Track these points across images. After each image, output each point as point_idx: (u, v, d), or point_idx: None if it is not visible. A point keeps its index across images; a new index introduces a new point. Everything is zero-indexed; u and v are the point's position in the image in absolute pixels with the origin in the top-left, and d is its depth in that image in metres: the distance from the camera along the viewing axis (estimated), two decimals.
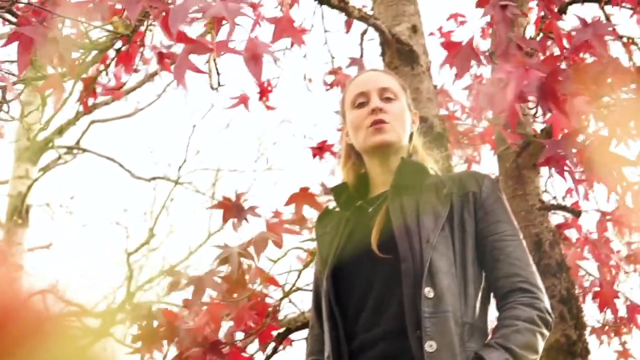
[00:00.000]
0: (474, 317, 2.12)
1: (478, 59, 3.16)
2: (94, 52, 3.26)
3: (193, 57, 2.32)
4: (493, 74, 2.99)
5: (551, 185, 5.26)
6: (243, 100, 4.51)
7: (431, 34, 5.88)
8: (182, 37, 2.31)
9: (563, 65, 2.81)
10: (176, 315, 3.31)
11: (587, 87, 2.60)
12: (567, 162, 2.70)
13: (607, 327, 5.16)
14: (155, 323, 3.28)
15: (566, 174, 2.69)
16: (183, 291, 3.23)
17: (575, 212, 4.91)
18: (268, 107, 4.61)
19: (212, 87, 2.51)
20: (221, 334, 3.31)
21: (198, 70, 2.34)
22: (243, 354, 3.32)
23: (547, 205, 4.41)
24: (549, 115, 2.77)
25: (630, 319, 5.08)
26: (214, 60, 2.42)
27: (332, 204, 2.55)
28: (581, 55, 2.96)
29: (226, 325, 3.36)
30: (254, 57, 2.31)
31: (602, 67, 2.58)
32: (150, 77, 8.36)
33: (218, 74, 2.46)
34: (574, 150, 2.68)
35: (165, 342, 3.26)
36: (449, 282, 2.09)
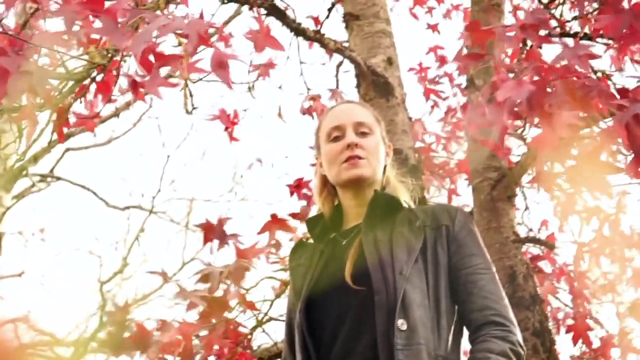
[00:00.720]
0: (446, 350, 2.12)
1: (473, 60, 3.19)
2: (71, 82, 3.26)
3: (167, 76, 2.34)
4: (484, 90, 3.01)
5: (527, 217, 5.30)
6: (220, 116, 4.51)
7: (411, 69, 5.92)
8: (154, 57, 2.32)
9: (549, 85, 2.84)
10: (149, 332, 3.30)
11: (577, 102, 2.63)
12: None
13: None
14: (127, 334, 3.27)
15: (546, 199, 2.71)
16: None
17: (549, 244, 4.93)
18: (232, 139, 4.61)
19: (187, 111, 2.52)
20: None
21: (169, 84, 2.34)
22: None
23: (521, 237, 4.43)
24: (537, 131, 2.79)
25: (604, 351, 5.09)
26: (186, 82, 2.43)
27: (306, 236, 2.56)
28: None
29: (198, 346, 3.35)
30: (220, 65, 2.32)
31: (587, 88, 2.61)
32: (125, 106, 8.34)
33: (191, 95, 2.47)
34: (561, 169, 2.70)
35: (136, 352, 3.25)
36: (422, 315, 2.09)
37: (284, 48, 3.30)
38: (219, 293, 3.33)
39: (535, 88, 2.72)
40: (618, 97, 2.51)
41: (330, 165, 2.39)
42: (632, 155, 2.47)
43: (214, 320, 3.29)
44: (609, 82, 4.54)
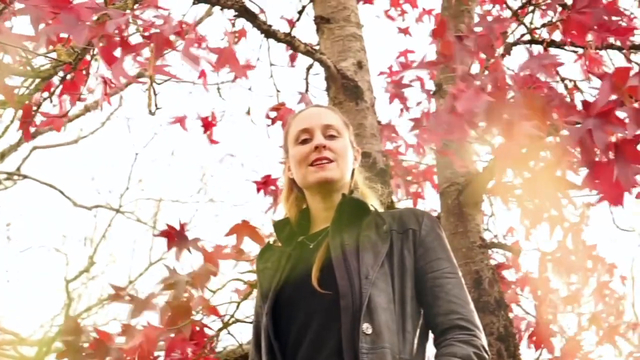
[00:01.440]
0: (411, 354, 2.13)
1: (435, 66, 3.20)
2: (37, 80, 3.23)
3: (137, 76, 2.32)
4: (451, 89, 3.02)
5: (492, 223, 5.33)
6: (180, 120, 4.49)
7: (381, 73, 5.93)
8: (121, 47, 2.31)
9: (510, 96, 2.85)
10: (110, 337, 3.28)
11: (535, 114, 2.64)
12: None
13: None
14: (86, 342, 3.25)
15: (511, 206, 2.71)
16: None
17: (515, 250, 4.96)
18: (212, 141, 4.59)
19: (150, 112, 2.51)
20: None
21: (130, 78, 2.33)
22: None
23: (487, 243, 4.45)
24: (497, 141, 2.80)
25: None
26: (151, 84, 2.42)
27: (273, 239, 2.55)
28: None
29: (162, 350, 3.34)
30: (190, 56, 2.31)
31: (548, 99, 2.62)
32: (94, 105, 8.29)
33: (155, 94, 2.46)
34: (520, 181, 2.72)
35: None
36: (387, 319, 2.10)
37: (245, 74, 3.30)
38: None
39: (494, 99, 2.74)
40: (581, 108, 2.52)
41: (297, 168, 2.39)
42: (587, 170, 2.49)
43: (179, 324, 3.28)
44: (579, 91, 4.59)
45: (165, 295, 3.30)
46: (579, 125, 2.46)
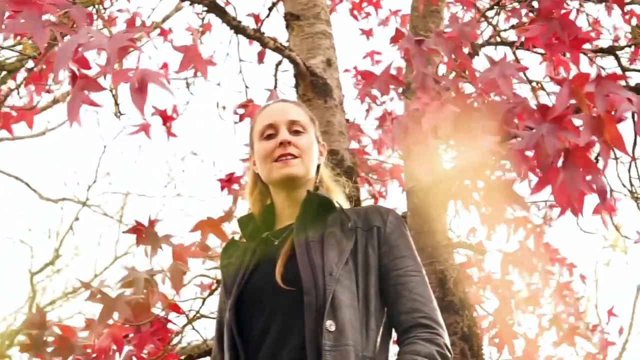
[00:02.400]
0: (374, 351, 2.13)
1: (397, 83, 3.20)
2: (4, 73, 3.21)
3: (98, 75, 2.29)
4: (410, 105, 3.03)
5: (456, 224, 5.35)
6: (144, 128, 4.46)
7: (346, 70, 5.94)
8: (79, 73, 2.27)
9: (474, 104, 2.86)
10: (74, 332, 3.26)
11: (498, 125, 2.65)
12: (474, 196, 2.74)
13: None
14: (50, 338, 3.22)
15: (472, 208, 2.73)
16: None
17: (480, 250, 4.98)
18: (170, 134, 4.56)
19: (115, 115, 2.49)
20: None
21: (93, 104, 2.29)
22: None
23: (453, 242, 4.47)
24: (460, 149, 2.81)
25: None
26: (112, 90, 2.39)
27: (238, 235, 2.55)
28: (492, 94, 3.02)
29: (127, 349, 3.32)
30: (139, 88, 2.28)
31: (510, 106, 2.63)
32: (63, 97, 8.22)
33: (117, 104, 2.44)
34: (480, 185, 2.73)
35: (58, 358, 3.20)
36: (350, 316, 2.10)
37: (207, 73, 3.29)
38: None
39: (458, 109, 2.75)
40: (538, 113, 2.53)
41: (262, 163, 2.39)
42: (540, 174, 2.50)
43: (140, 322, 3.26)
44: (543, 92, 4.62)
45: (126, 293, 3.28)
46: (533, 131, 2.47)
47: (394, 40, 3.25)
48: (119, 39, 2.25)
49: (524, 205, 2.72)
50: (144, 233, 3.40)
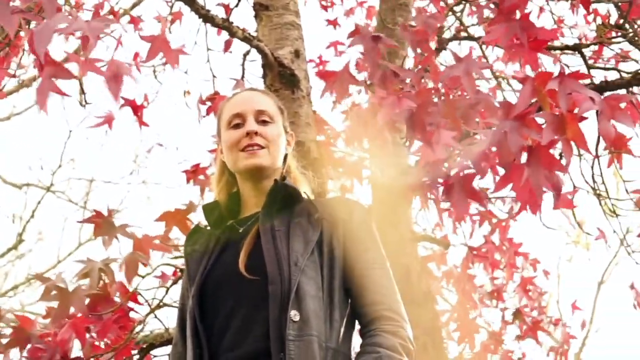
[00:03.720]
0: (338, 342, 2.14)
1: (356, 83, 3.20)
2: None
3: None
4: (370, 98, 3.04)
5: (422, 217, 5.38)
6: (108, 120, 4.42)
7: (310, 60, 5.93)
8: (48, 60, 2.25)
9: (437, 99, 2.86)
10: (31, 322, 3.23)
11: (456, 122, 2.66)
12: (433, 191, 2.75)
13: None
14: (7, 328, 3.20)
15: (430, 208, 2.73)
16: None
17: (445, 244, 5.01)
18: (141, 123, 4.52)
19: (80, 104, 2.47)
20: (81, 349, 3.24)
21: (62, 93, 2.28)
22: None
23: (417, 236, 4.49)
24: (418, 145, 2.82)
25: (484, 355, 5.19)
26: (80, 79, 2.37)
27: (203, 222, 2.54)
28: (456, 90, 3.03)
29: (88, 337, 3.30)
30: (114, 77, 2.27)
31: (472, 103, 2.64)
32: (29, 82, 8.15)
33: (84, 93, 2.42)
34: (439, 181, 2.73)
35: (14, 349, 3.17)
36: (315, 306, 2.10)
37: (177, 62, 3.27)
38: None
39: (417, 105, 2.75)
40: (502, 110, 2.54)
41: (229, 153, 2.38)
42: (502, 173, 2.51)
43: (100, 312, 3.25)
44: (509, 87, 4.64)
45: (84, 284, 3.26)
46: (495, 128, 2.48)
47: (352, 36, 3.24)
48: (97, 25, 2.24)
49: (482, 202, 2.73)
50: (102, 223, 3.38)
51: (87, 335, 3.24)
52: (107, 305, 3.29)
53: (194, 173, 4.78)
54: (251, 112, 2.38)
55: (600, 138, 3.02)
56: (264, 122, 2.39)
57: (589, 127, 2.50)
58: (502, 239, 5.56)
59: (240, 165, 2.36)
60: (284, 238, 2.20)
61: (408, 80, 3.15)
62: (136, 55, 4.24)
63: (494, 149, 2.47)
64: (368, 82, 3.88)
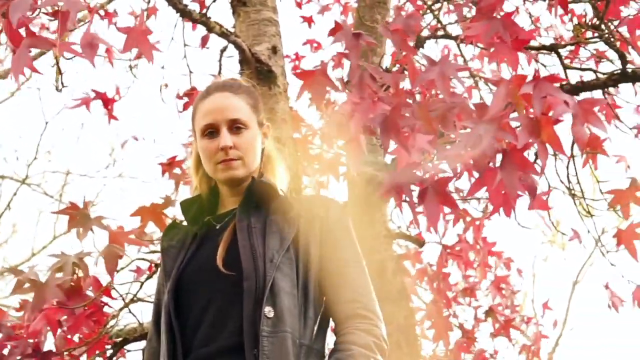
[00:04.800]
0: (311, 339, 2.15)
1: (332, 86, 3.19)
2: None
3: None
4: (343, 103, 3.03)
5: (397, 215, 5.39)
6: (85, 102, 4.39)
7: (286, 56, 5.93)
8: (24, 31, 2.24)
9: (412, 101, 2.86)
10: (3, 314, 3.22)
11: (431, 125, 2.65)
12: (408, 194, 2.74)
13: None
14: None
15: (405, 206, 2.73)
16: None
17: (420, 242, 5.02)
18: (111, 117, 4.49)
19: (56, 89, 2.46)
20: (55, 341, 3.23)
21: (35, 70, 2.27)
22: None
23: (392, 233, 4.49)
24: (394, 147, 2.82)
25: (457, 354, 5.21)
26: (57, 60, 2.37)
27: (179, 218, 2.53)
28: (434, 91, 3.03)
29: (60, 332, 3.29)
30: (89, 45, 2.26)
31: (448, 106, 2.64)
32: (4, 74, 8.11)
33: (61, 73, 2.41)
34: (413, 184, 2.73)
35: None
36: (289, 303, 2.11)
37: (152, 55, 3.25)
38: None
39: (391, 107, 2.75)
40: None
41: (206, 162, 2.37)
42: (477, 176, 2.52)
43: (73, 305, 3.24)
44: (486, 87, 4.66)
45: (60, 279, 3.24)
46: (470, 131, 2.48)
47: (333, 33, 3.23)
48: (75, 1, 2.23)
49: (455, 208, 2.73)
50: (77, 214, 3.36)
51: (59, 330, 3.23)
52: (80, 299, 3.28)
53: (170, 166, 4.77)
54: (224, 122, 2.34)
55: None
56: (238, 129, 2.36)
57: (564, 127, 2.52)
58: (476, 237, 5.58)
59: (217, 176, 2.36)
60: (260, 235, 2.20)
61: (385, 84, 3.14)
62: (109, 50, 4.21)
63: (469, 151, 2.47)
64: (345, 81, 3.88)
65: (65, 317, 3.25)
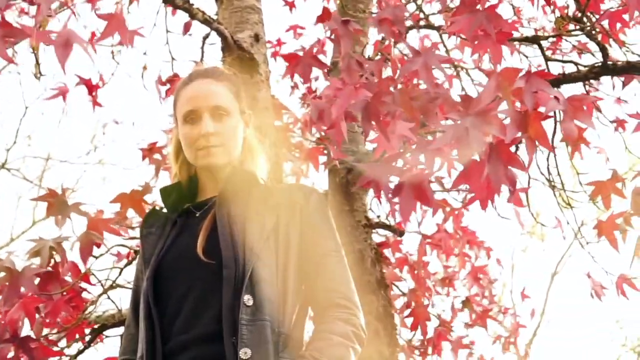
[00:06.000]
0: (290, 328, 2.15)
1: (320, 65, 3.19)
2: None
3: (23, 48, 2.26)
4: (325, 89, 3.03)
5: (376, 204, 5.40)
6: (62, 93, 4.36)
7: (268, 42, 5.91)
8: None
9: (393, 88, 2.86)
10: None
11: (412, 113, 2.65)
12: (385, 189, 2.74)
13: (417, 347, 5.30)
14: None
15: (383, 198, 2.73)
16: None
17: (399, 231, 5.03)
18: (95, 104, 4.47)
19: (35, 77, 2.45)
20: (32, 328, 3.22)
21: (10, 60, 2.26)
22: (54, 348, 3.25)
23: (372, 222, 4.50)
24: (375, 135, 2.82)
25: (437, 342, 5.23)
26: (34, 50, 2.35)
27: (159, 205, 2.53)
28: (416, 81, 3.03)
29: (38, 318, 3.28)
30: (64, 45, 2.25)
31: (431, 97, 2.64)
32: None
33: (38, 63, 2.40)
34: (392, 176, 2.72)
35: None
36: (269, 292, 2.11)
37: (132, 41, 3.24)
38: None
39: (371, 97, 2.74)
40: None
41: (187, 148, 2.36)
42: (461, 168, 2.52)
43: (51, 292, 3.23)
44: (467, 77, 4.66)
45: (36, 266, 3.23)
46: (456, 123, 2.48)
47: (321, 19, 3.23)
48: None
49: (429, 204, 2.72)
50: (55, 201, 3.35)
51: (37, 316, 3.21)
52: (58, 285, 3.27)
53: (150, 151, 4.76)
54: (206, 109, 2.34)
55: (557, 131, 3.05)
56: (220, 116, 2.36)
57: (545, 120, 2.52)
58: (455, 227, 5.60)
59: (198, 162, 2.35)
60: (240, 223, 2.20)
61: (367, 67, 3.15)
62: (93, 35, 4.19)
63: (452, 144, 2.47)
64: (328, 68, 3.88)
65: (43, 305, 3.24)
